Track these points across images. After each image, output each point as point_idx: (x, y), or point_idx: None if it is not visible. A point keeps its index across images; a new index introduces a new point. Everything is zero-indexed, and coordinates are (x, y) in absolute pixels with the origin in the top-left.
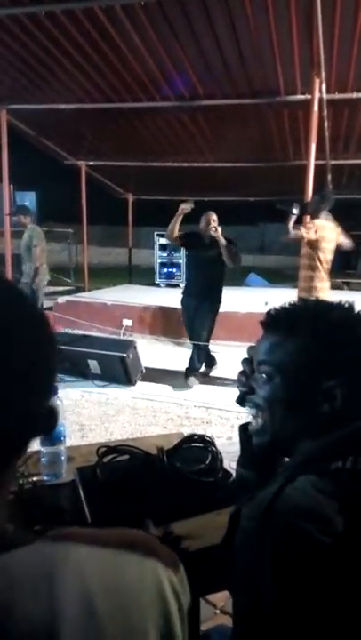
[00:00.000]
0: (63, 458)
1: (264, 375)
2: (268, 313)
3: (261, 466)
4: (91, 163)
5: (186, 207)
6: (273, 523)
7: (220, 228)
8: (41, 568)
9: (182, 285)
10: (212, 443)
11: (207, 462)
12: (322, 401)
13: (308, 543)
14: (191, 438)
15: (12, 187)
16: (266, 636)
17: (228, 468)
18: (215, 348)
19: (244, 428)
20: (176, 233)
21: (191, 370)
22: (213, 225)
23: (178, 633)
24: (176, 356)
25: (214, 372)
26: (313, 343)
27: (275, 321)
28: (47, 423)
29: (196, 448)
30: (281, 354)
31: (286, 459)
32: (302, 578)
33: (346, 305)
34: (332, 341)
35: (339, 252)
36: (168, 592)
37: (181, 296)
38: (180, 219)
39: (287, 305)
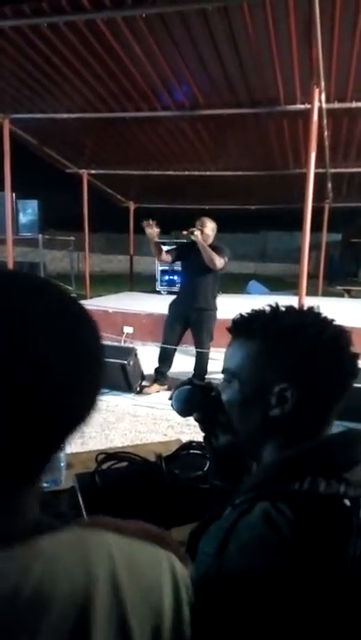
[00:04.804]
0: (62, 464)
1: (225, 380)
2: (233, 320)
3: (229, 474)
4: (92, 171)
5: (150, 232)
6: (225, 562)
7: (206, 233)
8: (77, 550)
9: None
10: None
11: (205, 469)
12: (275, 404)
13: (256, 587)
14: (190, 445)
15: (14, 195)
16: None
17: None
18: (216, 355)
19: (208, 440)
20: (163, 255)
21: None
22: (193, 229)
23: (187, 619)
24: (177, 363)
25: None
26: (265, 347)
27: (236, 327)
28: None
29: (195, 455)
30: (238, 359)
31: (254, 464)
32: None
33: (305, 310)
34: (281, 346)
35: (342, 260)
36: (180, 580)
37: (172, 301)
38: (154, 244)
39: (249, 311)
